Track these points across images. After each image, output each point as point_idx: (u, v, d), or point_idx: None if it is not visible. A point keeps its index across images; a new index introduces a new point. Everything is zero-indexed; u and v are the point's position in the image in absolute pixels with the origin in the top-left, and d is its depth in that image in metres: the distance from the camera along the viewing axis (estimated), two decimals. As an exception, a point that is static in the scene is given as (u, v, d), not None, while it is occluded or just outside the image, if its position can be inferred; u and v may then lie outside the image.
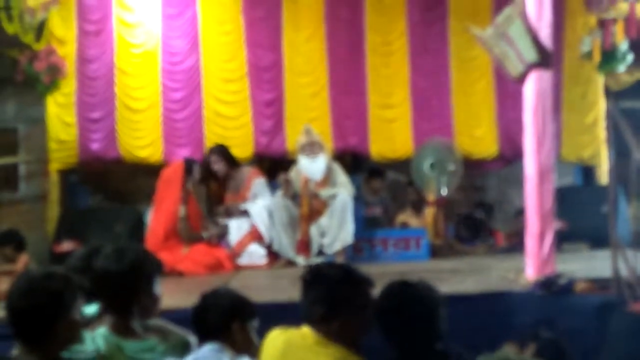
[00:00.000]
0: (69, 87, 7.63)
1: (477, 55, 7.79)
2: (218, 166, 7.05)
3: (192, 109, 7.80)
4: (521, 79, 5.13)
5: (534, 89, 5.08)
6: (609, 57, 7.82)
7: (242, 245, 6.82)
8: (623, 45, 7.69)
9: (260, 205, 6.83)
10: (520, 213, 6.30)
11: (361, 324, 2.62)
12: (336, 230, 6.64)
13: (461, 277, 5.69)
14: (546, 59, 4.98)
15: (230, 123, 7.81)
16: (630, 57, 7.82)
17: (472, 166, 8.03)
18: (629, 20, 7.15)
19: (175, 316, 2.95)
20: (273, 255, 6.79)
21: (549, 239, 5.07)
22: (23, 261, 6.56)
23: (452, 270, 6.09)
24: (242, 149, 7.66)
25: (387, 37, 8.05)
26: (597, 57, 7.81)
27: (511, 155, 7.84)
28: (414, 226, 7.36)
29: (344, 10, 7.99)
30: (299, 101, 7.90)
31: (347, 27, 8.00)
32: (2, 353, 2.47)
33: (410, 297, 2.67)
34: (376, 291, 2.75)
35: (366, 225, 7.36)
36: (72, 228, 7.05)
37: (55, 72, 7.48)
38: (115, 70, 7.71)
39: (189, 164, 6.92)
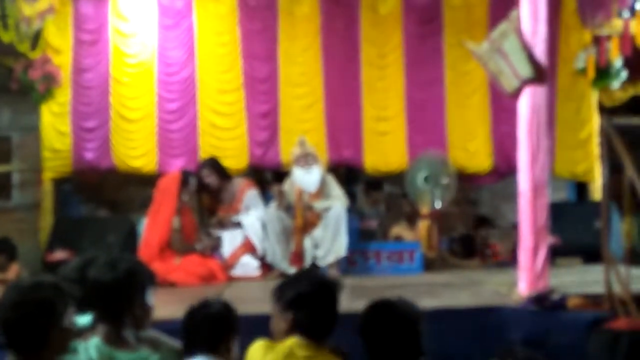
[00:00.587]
0: (63, 96, 7.62)
1: (472, 69, 7.82)
2: (210, 179, 7.05)
3: (187, 120, 7.80)
4: (516, 94, 5.14)
5: (528, 104, 5.09)
6: (603, 73, 7.86)
7: (235, 257, 6.81)
8: (617, 61, 7.73)
9: (253, 217, 6.83)
10: (513, 228, 6.31)
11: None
12: (330, 242, 6.64)
13: (454, 290, 5.69)
14: (541, 74, 5.00)
15: (225, 134, 7.81)
16: (624, 74, 7.86)
17: (466, 180, 8.05)
18: (623, 37, 7.19)
19: (168, 327, 2.94)
20: (266, 266, 6.78)
21: (542, 254, 5.07)
22: (14, 270, 6.55)
23: (445, 284, 6.09)
24: (236, 160, 7.66)
25: (383, 50, 8.07)
26: (591, 73, 7.85)
27: (505, 169, 7.86)
28: (408, 239, 7.36)
29: (339, 23, 8.01)
30: (294, 113, 7.91)
31: (342, 40, 8.02)
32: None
33: (391, 315, 2.70)
34: (362, 305, 2.77)
35: (361, 237, 7.35)
36: (65, 237, 7.02)
37: (50, 81, 7.47)
38: (111, 80, 7.71)
39: (185, 175, 6.91)
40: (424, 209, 7.37)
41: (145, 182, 7.31)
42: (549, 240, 5.21)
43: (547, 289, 4.95)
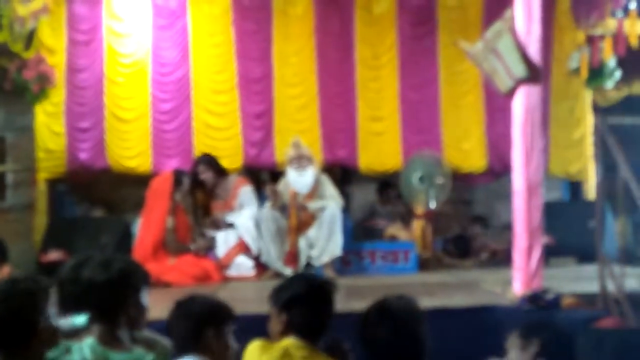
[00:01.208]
0: (58, 97, 7.60)
1: (466, 69, 7.82)
2: (206, 175, 7.05)
3: (182, 120, 7.79)
4: (510, 94, 5.16)
5: (522, 103, 5.11)
6: (596, 73, 7.88)
7: (230, 257, 6.81)
8: (611, 61, 7.76)
9: (247, 217, 6.81)
10: (508, 228, 6.32)
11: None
12: (324, 242, 6.65)
13: (449, 290, 5.71)
14: (535, 74, 5.01)
15: (219, 134, 7.80)
16: (617, 74, 7.89)
17: (461, 180, 8.05)
18: (617, 37, 7.21)
19: (161, 327, 2.93)
20: (261, 266, 6.78)
21: (536, 253, 5.09)
22: (5, 272, 6.51)
23: (440, 284, 6.10)
24: (231, 160, 7.65)
25: (377, 50, 8.07)
26: (585, 73, 7.87)
27: (500, 169, 7.87)
28: (403, 239, 7.36)
29: (334, 23, 8.01)
30: (289, 113, 7.91)
31: (337, 40, 8.01)
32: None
33: (392, 315, 2.68)
34: (362, 304, 2.76)
35: (372, 235, 7.48)
36: (59, 238, 7.00)
37: (44, 81, 7.45)
38: (105, 80, 7.69)
39: (178, 175, 6.90)
40: (419, 209, 7.37)
41: (140, 182, 7.29)
42: (543, 239, 5.23)
43: (542, 288, 4.96)
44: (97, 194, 8.11)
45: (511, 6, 5.15)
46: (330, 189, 6.94)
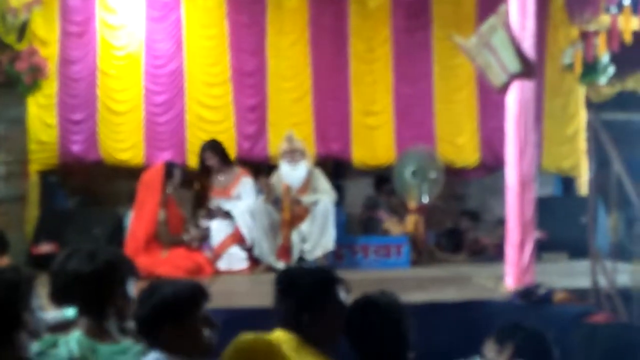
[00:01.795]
0: (50, 88, 7.57)
1: (460, 64, 7.83)
2: (212, 162, 7.06)
3: (175, 113, 7.77)
4: (504, 88, 5.16)
5: (516, 98, 5.11)
6: (590, 69, 7.89)
7: (224, 246, 6.80)
8: (604, 57, 7.76)
9: (244, 207, 6.81)
10: (500, 222, 6.33)
11: (338, 324, 2.64)
12: (317, 236, 6.64)
13: (441, 285, 5.71)
14: (529, 69, 5.02)
15: (213, 127, 7.77)
16: (611, 70, 7.89)
17: (454, 174, 8.06)
18: (610, 32, 7.20)
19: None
20: (254, 260, 6.77)
21: (529, 248, 5.10)
22: (4, 263, 6.51)
23: (432, 278, 6.11)
24: (224, 153, 7.63)
25: (371, 44, 8.07)
26: (578, 68, 7.87)
27: (493, 164, 7.88)
28: (395, 233, 7.36)
29: (328, 16, 8.00)
30: (282, 106, 7.90)
31: (331, 33, 8.01)
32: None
33: (376, 311, 2.69)
34: (351, 298, 2.76)
35: (370, 227, 7.56)
36: (51, 230, 6.99)
37: (36, 73, 7.42)
38: (98, 72, 7.67)
39: (169, 168, 6.88)
40: (412, 204, 7.38)
41: (132, 175, 7.27)
42: (535, 234, 5.24)
43: (534, 283, 4.98)
44: (89, 186, 8.09)
45: (505, 1, 5.15)
46: (323, 182, 6.93)
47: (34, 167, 7.57)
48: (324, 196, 6.78)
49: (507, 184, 5.22)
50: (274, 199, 6.76)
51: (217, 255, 6.75)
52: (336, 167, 8.20)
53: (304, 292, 2.62)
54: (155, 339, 2.46)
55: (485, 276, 5.74)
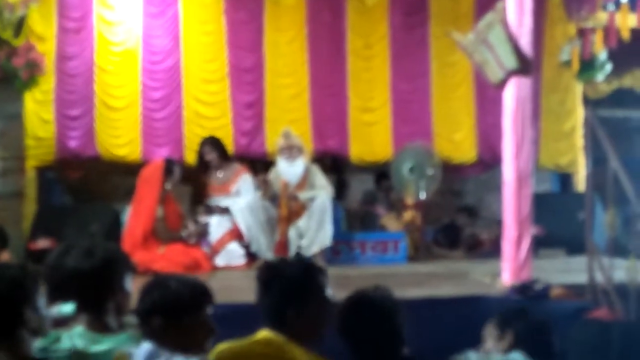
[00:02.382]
0: (47, 84, 7.55)
1: (457, 61, 7.83)
2: (211, 156, 7.07)
3: (172, 109, 7.77)
4: (501, 85, 5.16)
5: (513, 95, 5.12)
6: (587, 66, 7.90)
7: (222, 243, 6.81)
8: (602, 54, 7.77)
9: (242, 204, 6.80)
10: (498, 219, 6.34)
11: (323, 318, 2.60)
12: (314, 232, 6.64)
13: (438, 280, 5.72)
14: (526, 66, 5.02)
15: (210, 124, 7.77)
16: (608, 67, 7.91)
17: (451, 171, 8.07)
18: (608, 29, 7.22)
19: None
20: (251, 256, 6.77)
21: (525, 244, 5.11)
22: (4, 258, 6.52)
23: (429, 274, 6.12)
24: (221, 149, 7.63)
25: (369, 41, 8.07)
26: (575, 65, 7.89)
27: (490, 160, 7.89)
28: (392, 229, 7.37)
29: (325, 13, 8.00)
30: (280, 103, 7.90)
31: (328, 30, 8.01)
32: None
33: (369, 306, 2.69)
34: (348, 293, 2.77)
35: (370, 222, 7.59)
36: (48, 226, 6.98)
37: (33, 69, 7.40)
38: (95, 68, 7.65)
39: (169, 164, 6.88)
40: (409, 200, 7.39)
41: (129, 171, 7.27)
42: (532, 230, 5.25)
43: (531, 279, 4.99)
44: (86, 182, 8.08)
45: (503, -3, 5.15)
46: (320, 178, 6.94)
47: (31, 163, 7.55)
48: (321, 192, 6.78)
49: (504, 180, 5.23)
50: (272, 195, 6.77)
51: (215, 251, 6.76)
52: (334, 163, 8.21)
53: (287, 285, 2.57)
54: (150, 331, 2.45)
55: (482, 272, 5.75)
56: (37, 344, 2.39)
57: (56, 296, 2.60)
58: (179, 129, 7.76)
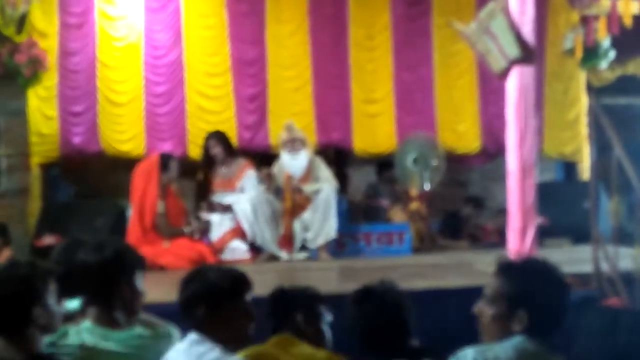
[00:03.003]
0: (50, 80, 7.56)
1: (460, 51, 7.81)
2: (216, 151, 7.04)
3: (175, 103, 7.77)
4: (504, 74, 5.14)
5: (516, 84, 5.10)
6: (591, 53, 7.87)
7: (223, 241, 6.80)
8: (605, 41, 7.74)
9: (245, 201, 6.79)
10: (502, 209, 6.33)
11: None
12: (319, 225, 6.65)
13: (443, 271, 5.72)
14: (529, 54, 5.00)
15: (213, 117, 7.77)
16: (612, 54, 7.88)
17: (455, 161, 8.06)
18: (610, 16, 7.18)
19: (157, 310, 2.94)
20: (255, 250, 6.78)
21: (530, 234, 5.09)
22: (5, 256, 6.54)
23: (434, 265, 6.12)
24: (225, 143, 7.63)
25: (371, 31, 8.06)
26: (579, 53, 7.85)
27: (494, 150, 7.88)
28: (400, 220, 7.36)
29: (327, 5, 7.99)
30: (283, 96, 7.90)
31: (330, 22, 8.00)
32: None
33: (375, 300, 2.69)
34: (357, 286, 2.77)
35: (371, 215, 7.59)
36: (54, 222, 6.99)
37: (36, 65, 7.41)
38: (98, 63, 7.66)
39: (164, 159, 6.85)
40: (413, 191, 7.38)
41: (134, 166, 7.26)
42: (537, 220, 5.24)
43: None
44: (91, 178, 8.09)
45: (505, -14, 5.12)
46: (324, 171, 6.93)
47: (35, 160, 7.57)
48: (326, 185, 6.78)
49: (508, 170, 5.21)
50: (275, 189, 6.76)
51: (217, 249, 6.73)
52: (337, 156, 8.20)
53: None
54: (194, 322, 2.52)
55: (487, 262, 5.73)
56: (44, 339, 2.40)
57: (62, 291, 2.61)
58: (182, 123, 7.76)
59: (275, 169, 6.88)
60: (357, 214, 7.85)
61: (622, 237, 4.80)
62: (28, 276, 2.34)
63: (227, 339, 2.50)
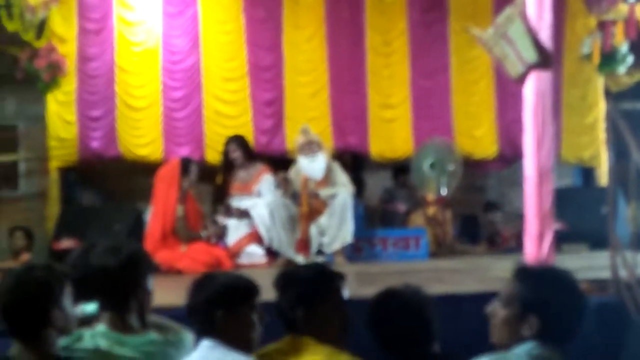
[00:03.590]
0: (69, 85, 7.63)
1: (477, 56, 7.80)
2: (236, 155, 7.08)
3: (192, 108, 7.81)
4: (521, 79, 5.12)
5: (533, 89, 5.07)
6: (608, 58, 7.83)
7: (240, 246, 6.82)
8: (623, 46, 7.70)
9: (262, 206, 6.80)
10: (520, 214, 6.31)
11: (342, 318, 2.66)
12: (336, 230, 6.65)
13: (460, 277, 5.70)
14: (546, 59, 4.98)
15: (230, 122, 7.80)
16: (629, 59, 7.83)
17: (472, 166, 8.04)
18: (628, 21, 7.16)
19: (174, 314, 2.95)
20: (272, 254, 6.79)
21: (548, 239, 5.06)
22: (24, 259, 6.61)
23: (450, 270, 6.10)
24: (242, 148, 7.65)
25: (388, 37, 8.06)
26: (596, 58, 7.81)
27: (511, 155, 7.85)
28: (420, 225, 7.34)
29: (344, 10, 8.00)
30: (299, 101, 7.92)
31: (347, 27, 8.01)
32: (3, 350, 2.48)
33: (399, 302, 2.68)
34: (373, 291, 2.76)
35: (386, 220, 7.62)
36: (72, 226, 7.04)
37: (55, 70, 7.47)
38: (116, 68, 7.72)
39: (185, 163, 6.90)
40: (430, 196, 7.37)
41: (151, 170, 7.30)
42: (554, 226, 5.21)
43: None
44: (109, 182, 8.15)
45: (522, -9, 5.11)
46: (341, 176, 6.93)
47: (54, 164, 7.63)
48: (342, 189, 6.78)
49: (526, 175, 5.19)
50: (292, 193, 6.78)
51: (233, 254, 6.74)
52: (354, 160, 8.20)
53: (298, 289, 2.66)
54: (208, 327, 2.52)
55: (505, 268, 5.71)
56: (59, 342, 2.42)
57: (78, 295, 2.62)
58: (200, 127, 7.80)
59: (292, 173, 6.90)
60: (373, 219, 7.85)
61: (641, 243, 4.77)
62: (45, 279, 2.36)
63: (238, 344, 2.52)
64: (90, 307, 2.72)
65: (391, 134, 8.04)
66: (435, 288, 4.86)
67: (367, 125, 8.00)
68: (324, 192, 6.79)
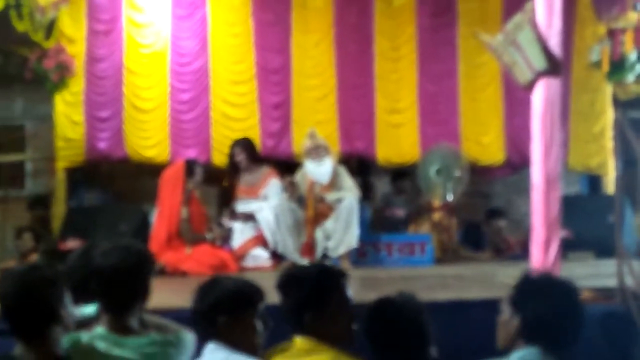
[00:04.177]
0: (77, 86, 7.64)
1: (485, 62, 7.79)
2: (240, 158, 7.09)
3: (200, 110, 7.81)
4: (530, 86, 5.11)
5: (542, 96, 5.06)
6: (617, 66, 7.80)
7: (244, 249, 6.82)
8: (632, 55, 7.67)
9: (268, 209, 6.81)
10: (526, 221, 6.29)
11: (348, 317, 2.66)
12: (341, 234, 6.64)
13: (465, 283, 5.69)
14: (555, 67, 4.97)
15: (237, 125, 7.81)
16: (638, 67, 7.80)
17: (479, 173, 8.02)
18: (638, 30, 7.14)
19: (178, 315, 2.95)
20: (277, 257, 6.79)
21: (554, 247, 5.05)
22: (32, 259, 6.61)
23: (455, 276, 6.08)
24: (248, 151, 7.65)
25: (396, 42, 8.06)
26: (605, 66, 7.79)
27: (518, 162, 7.84)
28: (424, 232, 7.33)
29: (353, 15, 8.00)
30: (307, 104, 7.92)
31: (356, 32, 8.01)
32: (5, 350, 2.48)
33: (394, 309, 2.68)
34: (378, 296, 2.76)
35: (386, 225, 7.52)
36: (78, 226, 7.05)
37: (64, 71, 7.49)
38: (124, 70, 7.73)
39: (190, 165, 6.91)
40: (436, 202, 7.36)
41: (158, 172, 7.31)
42: (561, 233, 5.20)
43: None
44: (115, 183, 8.16)
45: (532, -2, 5.11)
46: (347, 180, 6.93)
47: (61, 164, 7.63)
48: (348, 194, 6.78)
49: (533, 182, 5.18)
50: (298, 197, 6.78)
51: (238, 257, 6.74)
52: (360, 165, 8.20)
53: (304, 290, 2.65)
54: (213, 331, 2.52)
55: (510, 275, 5.69)
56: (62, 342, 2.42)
57: (78, 297, 2.61)
58: (207, 130, 7.80)
59: (298, 177, 6.90)
60: (379, 224, 7.84)
61: (647, 252, 4.76)
62: (51, 277, 2.37)
63: (242, 349, 2.52)
64: (89, 309, 2.71)
65: (398, 139, 8.03)
66: (440, 294, 4.86)
67: (374, 130, 8.00)
68: (330, 196, 6.78)
